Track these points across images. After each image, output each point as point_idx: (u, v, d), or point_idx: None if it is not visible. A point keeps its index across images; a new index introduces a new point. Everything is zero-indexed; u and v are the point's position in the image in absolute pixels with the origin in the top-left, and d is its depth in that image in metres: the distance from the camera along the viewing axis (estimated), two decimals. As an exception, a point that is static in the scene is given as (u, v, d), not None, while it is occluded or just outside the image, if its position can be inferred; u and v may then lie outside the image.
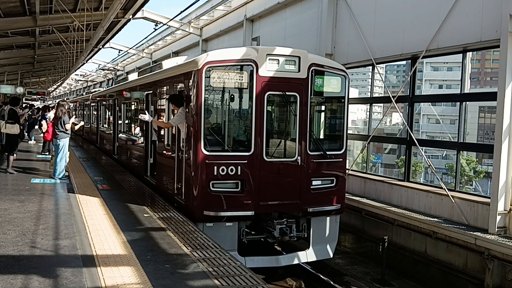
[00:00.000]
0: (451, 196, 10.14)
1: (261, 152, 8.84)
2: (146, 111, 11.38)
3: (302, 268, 10.22)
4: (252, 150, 8.80)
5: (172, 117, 10.03)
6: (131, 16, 19.83)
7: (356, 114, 63.92)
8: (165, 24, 24.63)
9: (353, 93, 41.48)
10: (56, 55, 29.28)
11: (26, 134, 21.66)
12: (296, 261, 9.54)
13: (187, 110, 9.20)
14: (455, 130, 12.12)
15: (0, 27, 18.41)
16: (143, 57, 36.41)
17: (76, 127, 12.15)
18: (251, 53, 8.86)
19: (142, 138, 13.22)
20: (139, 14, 21.52)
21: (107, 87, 36.81)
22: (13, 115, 13.02)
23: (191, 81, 8.96)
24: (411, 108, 12.11)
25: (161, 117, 11.22)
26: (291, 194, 9.10)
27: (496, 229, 9.00)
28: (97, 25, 16.33)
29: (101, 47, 27.74)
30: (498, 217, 9.01)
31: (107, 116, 20.56)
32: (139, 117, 10.65)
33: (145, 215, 8.62)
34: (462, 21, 10.14)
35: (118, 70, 43.99)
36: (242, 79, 8.83)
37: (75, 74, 50.97)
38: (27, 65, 34.07)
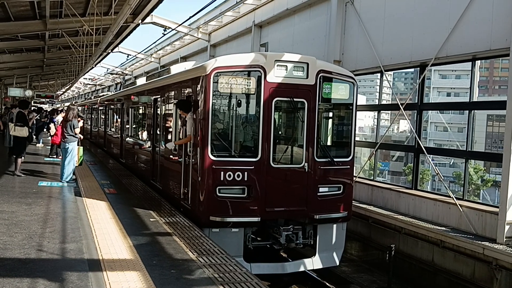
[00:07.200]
0: (459, 205, 10.07)
1: (268, 158, 8.82)
2: (171, 142, 11.01)
3: (308, 275, 10.17)
4: (259, 156, 8.78)
5: (179, 122, 10.06)
6: (140, 21, 19.98)
7: (363, 121, 63.74)
8: (173, 29, 24.76)
9: (361, 100, 41.34)
10: (65, 58, 29.51)
11: (35, 137, 21.76)
12: (302, 268, 9.50)
13: (194, 115, 9.21)
14: (463, 138, 12.09)
15: (11, 31, 18.59)
16: (152, 61, 36.57)
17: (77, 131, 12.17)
18: (259, 59, 8.86)
19: (149, 143, 13.25)
20: (148, 19, 21.65)
21: (115, 91, 37.00)
22: (22, 118, 13.08)
23: (199, 86, 8.98)
24: (419, 116, 12.06)
25: (168, 122, 11.26)
26: (298, 201, 9.07)
27: (505, 239, 8.92)
28: (106, 29, 16.45)
29: (110, 51, 27.94)
30: (507, 227, 8.93)
31: (114, 120, 20.64)
32: (167, 146, 10.56)
33: (152, 219, 8.62)
34: (472, 30, 10.11)
35: (126, 75, 44.26)
36: (250, 85, 8.83)
37: (84, 78, 51.25)
38: (36, 68, 34.35)
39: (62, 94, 64.61)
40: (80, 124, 12.80)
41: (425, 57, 11.34)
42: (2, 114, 24.84)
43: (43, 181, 12.03)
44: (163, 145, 11.78)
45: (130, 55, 36.62)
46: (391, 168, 49.24)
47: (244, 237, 8.82)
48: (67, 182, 11.94)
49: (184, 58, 28.88)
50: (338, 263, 9.82)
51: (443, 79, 76.00)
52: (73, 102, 46.42)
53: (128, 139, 17.02)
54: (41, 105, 33.58)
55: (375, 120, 15.02)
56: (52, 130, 17.70)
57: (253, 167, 8.73)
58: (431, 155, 12.13)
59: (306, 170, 9.10)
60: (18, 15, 17.34)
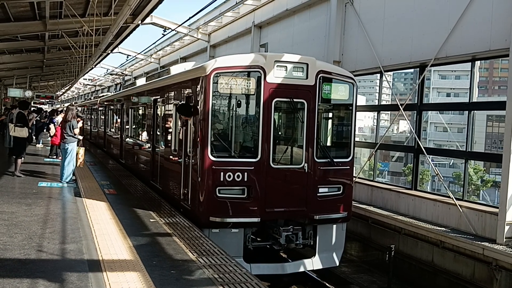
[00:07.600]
0: (459, 205, 10.07)
1: (268, 159, 8.82)
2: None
3: (308, 276, 10.17)
4: (259, 156, 8.78)
5: (179, 123, 10.06)
6: (140, 22, 19.97)
7: (363, 122, 63.72)
8: (173, 30, 24.76)
9: (361, 100, 41.31)
10: (65, 59, 29.51)
11: (34, 137, 21.75)
12: (302, 269, 9.50)
13: (194, 116, 9.21)
14: (462, 138, 12.10)
15: (10, 31, 18.58)
16: (151, 62, 36.59)
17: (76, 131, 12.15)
18: (259, 59, 8.87)
19: (148, 143, 13.25)
20: (147, 20, 21.64)
21: (115, 91, 36.99)
22: (22, 118, 13.08)
23: (199, 86, 8.98)
24: (419, 116, 12.07)
25: (168, 123, 11.25)
26: (298, 201, 9.07)
27: (504, 240, 8.92)
28: (106, 30, 16.45)
29: (109, 52, 27.92)
30: (507, 227, 8.93)
31: (114, 121, 20.64)
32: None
33: (151, 220, 8.62)
34: (471, 30, 10.11)
35: (126, 75, 44.24)
36: (249, 86, 8.84)
37: (84, 79, 51.29)
38: (36, 69, 34.34)
39: (62, 94, 64.67)
40: (80, 124, 12.80)
41: (425, 57, 11.34)
42: (2, 115, 24.82)
43: (43, 182, 12.02)
44: (163, 146, 11.79)
45: (129, 55, 36.64)
46: (391, 168, 49.24)
47: (244, 237, 8.83)
48: (67, 182, 11.94)
49: (184, 59, 28.87)
50: (338, 264, 9.82)
51: (442, 80, 75.95)
52: (73, 103, 46.39)
53: (128, 139, 17.01)
54: (41, 106, 33.56)
55: (375, 121, 15.03)
56: (52, 130, 17.69)
57: (253, 168, 8.73)
58: (430, 156, 12.13)
59: (306, 170, 9.11)
60: (18, 16, 17.33)
